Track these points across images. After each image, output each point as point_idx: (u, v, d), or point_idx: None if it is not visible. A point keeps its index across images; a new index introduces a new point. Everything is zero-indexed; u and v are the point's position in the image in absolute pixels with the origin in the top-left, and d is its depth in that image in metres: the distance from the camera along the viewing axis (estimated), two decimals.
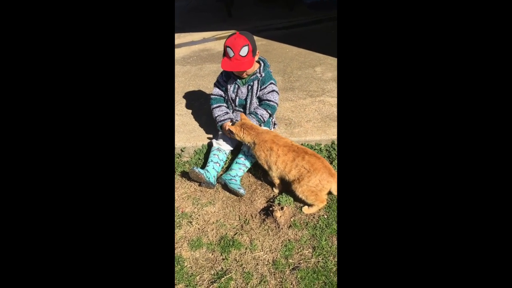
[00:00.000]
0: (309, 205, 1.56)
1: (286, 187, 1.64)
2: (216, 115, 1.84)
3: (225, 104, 1.88)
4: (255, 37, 1.73)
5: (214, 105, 1.86)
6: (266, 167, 1.64)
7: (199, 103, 2.36)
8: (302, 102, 2.27)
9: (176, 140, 1.96)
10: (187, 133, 2.02)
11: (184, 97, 2.49)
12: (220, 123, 1.82)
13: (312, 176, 1.48)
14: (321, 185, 1.49)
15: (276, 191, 1.70)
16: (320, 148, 1.87)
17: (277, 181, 1.66)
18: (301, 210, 1.56)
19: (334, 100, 2.25)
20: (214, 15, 4.73)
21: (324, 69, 2.74)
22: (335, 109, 2.14)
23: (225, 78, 1.86)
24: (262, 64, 1.80)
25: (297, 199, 1.58)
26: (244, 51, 1.64)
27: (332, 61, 2.88)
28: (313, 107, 2.19)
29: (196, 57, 3.26)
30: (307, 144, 1.88)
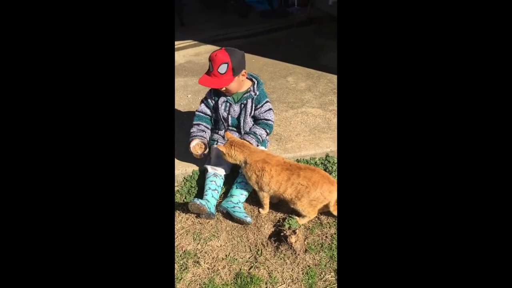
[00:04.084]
0: (300, 216, 1.53)
1: (284, 203, 1.57)
2: (191, 131, 1.75)
3: (205, 124, 1.77)
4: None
5: (195, 122, 1.78)
6: (257, 188, 1.54)
7: (177, 123, 2.16)
8: (285, 114, 2.22)
9: None
10: None
11: None
12: (190, 139, 1.72)
13: (312, 190, 1.43)
14: (322, 197, 1.44)
15: (263, 212, 1.61)
16: (315, 162, 1.83)
17: (266, 202, 1.58)
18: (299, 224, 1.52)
19: (315, 111, 2.24)
20: None
21: (296, 79, 2.74)
22: (320, 120, 2.13)
23: (214, 96, 1.73)
24: (256, 82, 1.70)
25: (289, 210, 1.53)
26: (222, 68, 1.55)
27: (301, 70, 2.90)
28: (297, 120, 2.15)
29: None
30: (303, 159, 1.83)
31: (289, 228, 1.50)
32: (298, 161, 1.82)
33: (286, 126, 2.09)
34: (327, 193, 1.43)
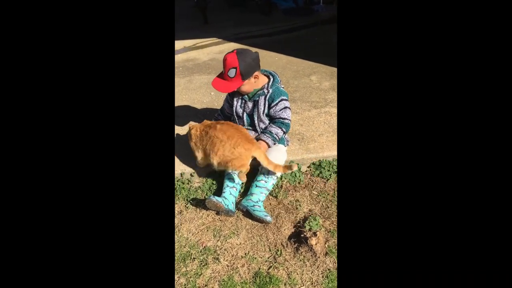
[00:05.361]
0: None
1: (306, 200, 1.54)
2: None
3: (223, 117, 1.91)
4: (239, 44, 1.65)
5: (216, 114, 1.98)
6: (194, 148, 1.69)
7: (199, 120, 2.18)
8: (308, 114, 2.18)
9: (184, 164, 1.77)
10: None
11: (180, 113, 2.29)
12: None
13: (227, 144, 1.50)
14: (237, 152, 1.48)
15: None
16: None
17: (197, 157, 1.68)
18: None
19: None
20: (190, 22, 4.52)
21: (319, 78, 2.69)
22: None
23: (231, 93, 1.76)
24: (271, 79, 1.69)
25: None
26: (231, 72, 1.57)
27: (325, 69, 2.84)
28: (321, 119, 2.12)
29: (182, 68, 3.06)
30: (325, 160, 1.80)
31: (310, 229, 1.48)
32: (320, 162, 1.80)
33: (309, 125, 2.06)
34: (241, 149, 1.48)
